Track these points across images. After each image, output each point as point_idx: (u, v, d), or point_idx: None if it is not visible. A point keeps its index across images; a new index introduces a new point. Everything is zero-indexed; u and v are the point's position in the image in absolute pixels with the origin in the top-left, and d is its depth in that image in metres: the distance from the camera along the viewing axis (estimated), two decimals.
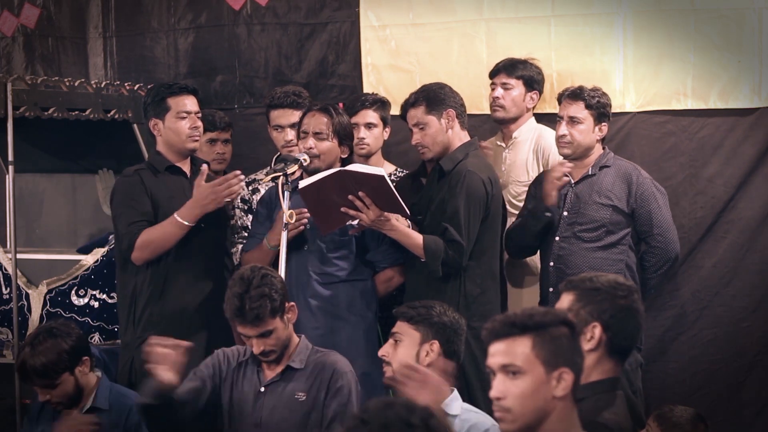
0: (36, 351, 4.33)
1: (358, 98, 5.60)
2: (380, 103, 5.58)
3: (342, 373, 4.21)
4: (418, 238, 4.87)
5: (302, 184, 4.76)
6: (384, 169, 4.97)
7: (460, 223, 4.88)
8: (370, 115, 5.51)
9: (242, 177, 4.96)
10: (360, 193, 4.72)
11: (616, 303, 3.43)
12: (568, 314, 2.91)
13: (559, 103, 5.21)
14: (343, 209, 4.75)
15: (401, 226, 4.86)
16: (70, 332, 4.43)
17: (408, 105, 5.16)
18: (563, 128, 5.13)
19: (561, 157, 5.31)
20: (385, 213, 4.77)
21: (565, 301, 3.46)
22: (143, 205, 4.95)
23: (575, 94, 5.14)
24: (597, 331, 3.38)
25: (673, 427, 4.33)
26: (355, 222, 4.84)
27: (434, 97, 5.07)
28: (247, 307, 4.09)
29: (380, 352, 4.16)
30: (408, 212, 4.82)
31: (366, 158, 5.46)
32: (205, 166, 4.95)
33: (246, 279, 4.15)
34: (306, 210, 4.86)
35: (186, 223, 4.86)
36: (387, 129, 5.59)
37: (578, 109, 5.11)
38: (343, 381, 4.19)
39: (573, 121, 5.11)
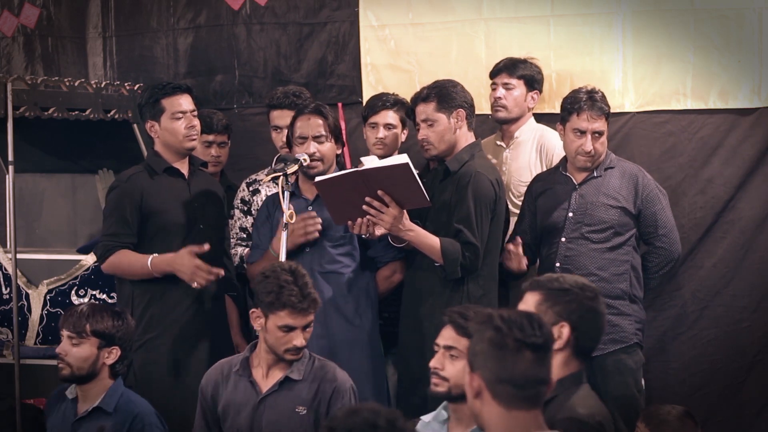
0: (90, 308, 4.43)
1: (379, 98, 5.56)
2: (401, 104, 5.55)
3: (343, 391, 4.18)
4: (435, 240, 4.84)
5: (318, 178, 4.77)
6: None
7: (472, 225, 4.86)
8: (390, 116, 5.49)
9: (222, 274, 4.91)
10: (379, 192, 4.70)
11: (584, 304, 3.52)
12: (497, 319, 2.91)
13: (574, 112, 5.08)
14: (365, 208, 4.72)
15: (419, 228, 4.84)
16: (126, 323, 4.48)
17: (418, 99, 5.12)
18: (589, 144, 5.06)
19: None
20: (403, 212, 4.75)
21: (531, 300, 3.53)
22: (128, 218, 4.94)
23: (597, 108, 5.06)
24: (565, 330, 3.49)
25: (660, 424, 4.32)
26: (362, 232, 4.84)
27: (446, 95, 5.04)
28: (304, 293, 4.09)
29: (433, 364, 3.94)
30: (429, 201, 4.79)
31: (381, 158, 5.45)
32: (206, 246, 4.86)
33: (289, 270, 4.15)
34: (316, 217, 4.89)
35: (151, 270, 4.87)
36: (405, 131, 5.57)
37: (603, 123, 5.08)
38: (344, 401, 4.16)
39: (597, 134, 5.07)
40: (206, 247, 4.84)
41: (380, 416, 2.54)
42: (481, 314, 3.02)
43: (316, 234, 4.90)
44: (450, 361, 3.89)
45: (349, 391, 4.21)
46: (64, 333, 4.41)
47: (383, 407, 2.60)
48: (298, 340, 4.13)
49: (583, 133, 5.07)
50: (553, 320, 3.44)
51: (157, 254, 4.89)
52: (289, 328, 4.12)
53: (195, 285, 4.82)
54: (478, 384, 2.88)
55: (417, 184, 4.68)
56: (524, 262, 5.13)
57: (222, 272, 4.88)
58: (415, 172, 4.68)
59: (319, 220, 4.91)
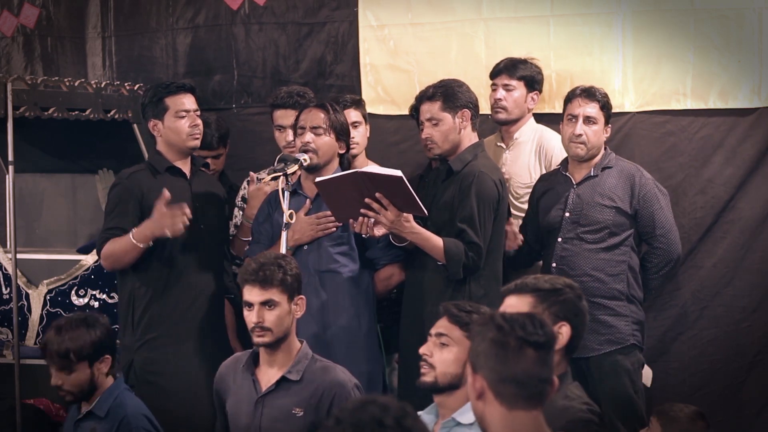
0: (62, 333, 4.30)
1: (336, 101, 5.52)
2: (358, 102, 5.61)
3: (346, 394, 4.13)
4: (438, 240, 4.84)
5: (319, 178, 4.77)
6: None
7: (476, 225, 4.86)
8: (354, 114, 5.50)
9: (188, 213, 4.81)
10: (377, 195, 4.70)
11: (576, 303, 3.52)
12: (498, 318, 2.91)
13: (568, 101, 5.17)
14: (363, 210, 4.74)
15: (422, 229, 4.83)
16: (101, 326, 4.39)
17: (424, 98, 5.11)
18: (580, 127, 5.10)
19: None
20: (404, 214, 4.76)
21: (521, 303, 3.50)
22: (127, 213, 4.94)
23: (590, 94, 5.12)
24: (565, 330, 3.50)
25: (671, 422, 4.38)
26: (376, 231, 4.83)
27: (452, 95, 5.03)
28: (261, 269, 4.09)
29: (422, 350, 3.91)
30: (426, 212, 4.80)
31: (354, 158, 5.45)
32: (165, 191, 4.83)
33: (268, 255, 4.19)
34: (329, 214, 4.88)
35: (135, 242, 4.84)
36: (367, 126, 5.61)
37: (594, 109, 5.10)
38: None
39: (589, 121, 5.10)
40: (166, 194, 4.80)
41: (389, 413, 2.50)
42: (482, 315, 3.04)
43: (333, 229, 4.93)
44: (439, 348, 3.87)
45: (353, 391, 4.17)
46: (53, 369, 4.33)
47: (395, 402, 2.55)
48: (254, 317, 4.11)
49: (574, 117, 5.09)
50: (551, 321, 3.42)
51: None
52: (247, 304, 4.14)
53: (170, 234, 4.78)
54: (480, 385, 2.88)
55: (412, 197, 4.69)
56: (519, 238, 5.27)
57: (186, 208, 4.81)
58: (409, 185, 4.69)
59: (333, 221, 4.92)
